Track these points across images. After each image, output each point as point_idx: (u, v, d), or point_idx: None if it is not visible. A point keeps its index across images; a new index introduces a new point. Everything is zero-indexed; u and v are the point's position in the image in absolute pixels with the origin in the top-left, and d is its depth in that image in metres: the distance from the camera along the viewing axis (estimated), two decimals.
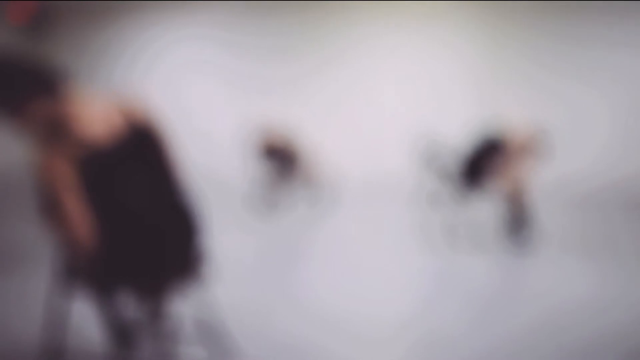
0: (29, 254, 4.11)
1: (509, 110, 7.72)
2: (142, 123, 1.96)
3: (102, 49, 10.00)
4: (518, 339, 2.33)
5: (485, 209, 5.13)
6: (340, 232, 5.01)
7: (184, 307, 2.66)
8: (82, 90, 10.16)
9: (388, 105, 8.43)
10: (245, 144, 8.76)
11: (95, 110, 1.89)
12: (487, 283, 3.17)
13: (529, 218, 4.52)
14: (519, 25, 7.75)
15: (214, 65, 9.27)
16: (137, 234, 1.94)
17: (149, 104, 2.06)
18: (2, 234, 4.92)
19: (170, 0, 9.16)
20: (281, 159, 6.04)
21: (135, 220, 1.94)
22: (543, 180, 7.79)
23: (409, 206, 5.10)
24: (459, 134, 6.49)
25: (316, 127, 8.82)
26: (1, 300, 2.99)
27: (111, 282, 1.97)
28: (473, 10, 7.95)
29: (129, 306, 2.52)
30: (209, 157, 9.24)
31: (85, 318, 2.66)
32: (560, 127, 7.60)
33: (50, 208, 1.89)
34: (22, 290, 3.19)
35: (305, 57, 8.80)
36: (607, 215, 5.92)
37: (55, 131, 1.86)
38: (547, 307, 2.73)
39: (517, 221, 4.55)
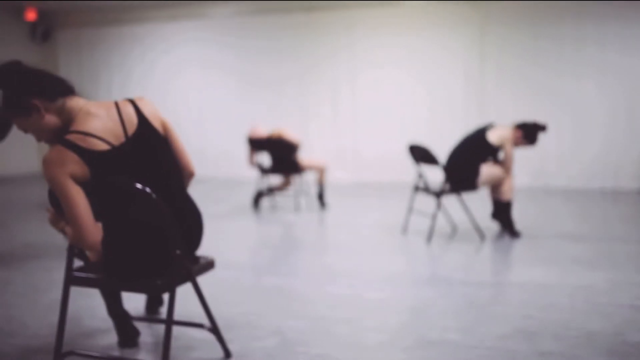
0: (44, 251, 4.15)
1: (502, 108, 7.78)
2: (148, 122, 1.96)
3: (106, 51, 10.03)
4: (515, 337, 2.35)
5: (475, 206, 5.17)
6: (333, 233, 5.04)
7: (184, 306, 2.70)
8: (88, 92, 10.16)
9: (385, 105, 8.47)
10: (244, 140, 8.78)
11: (102, 111, 1.89)
12: (481, 282, 3.20)
13: (511, 214, 4.53)
14: (515, 27, 7.81)
15: (212, 64, 9.30)
16: (139, 233, 1.98)
17: (152, 103, 2.07)
18: (19, 232, 4.98)
19: (171, 0, 9.19)
20: (275, 155, 6.03)
21: (138, 218, 1.97)
22: (539, 172, 7.85)
23: (401, 207, 5.13)
24: (455, 133, 6.53)
25: (313, 127, 8.85)
26: (15, 296, 3.04)
27: (115, 280, 2.01)
28: (471, 14, 7.99)
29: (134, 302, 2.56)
30: (208, 154, 9.26)
31: (90, 314, 2.69)
32: (558, 121, 7.66)
33: (58, 205, 1.91)
34: (36, 286, 3.24)
35: (303, 58, 8.82)
36: (604, 209, 5.96)
37: (64, 130, 1.87)
38: (545, 304, 2.75)
39: (504, 216, 4.57)
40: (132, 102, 1.99)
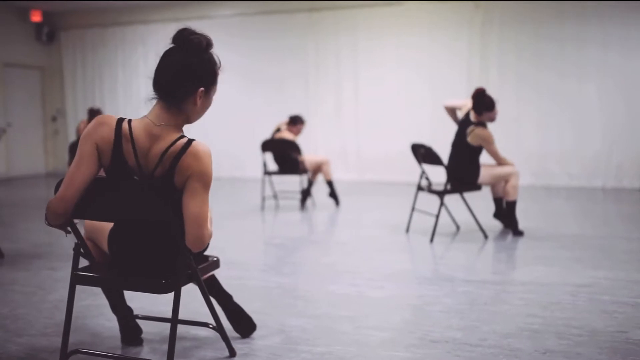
0: (49, 251, 4.18)
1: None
2: (171, 178, 1.89)
3: (109, 51, 10.05)
4: (518, 335, 2.36)
5: (478, 205, 5.18)
6: (336, 232, 5.06)
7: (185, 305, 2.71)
8: (92, 92, 10.16)
9: (388, 104, 8.47)
10: (246, 140, 8.79)
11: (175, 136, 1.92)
12: (484, 280, 3.21)
13: (515, 213, 4.54)
14: (517, 28, 7.81)
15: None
16: (145, 233, 1.99)
17: (201, 159, 2.12)
18: (25, 232, 5.00)
19: (174, 1, 9.21)
20: (281, 154, 6.04)
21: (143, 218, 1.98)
22: (541, 171, 7.84)
23: (404, 206, 5.14)
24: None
25: (316, 126, 8.86)
26: (21, 295, 3.05)
27: (121, 279, 2.02)
28: (473, 14, 7.99)
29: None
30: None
31: (95, 313, 2.71)
32: (560, 121, 7.66)
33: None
34: (41, 286, 3.25)
35: (305, 59, 8.83)
36: (605, 208, 5.96)
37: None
38: (548, 302, 2.76)
39: (509, 215, 4.57)
40: (186, 147, 1.91)
